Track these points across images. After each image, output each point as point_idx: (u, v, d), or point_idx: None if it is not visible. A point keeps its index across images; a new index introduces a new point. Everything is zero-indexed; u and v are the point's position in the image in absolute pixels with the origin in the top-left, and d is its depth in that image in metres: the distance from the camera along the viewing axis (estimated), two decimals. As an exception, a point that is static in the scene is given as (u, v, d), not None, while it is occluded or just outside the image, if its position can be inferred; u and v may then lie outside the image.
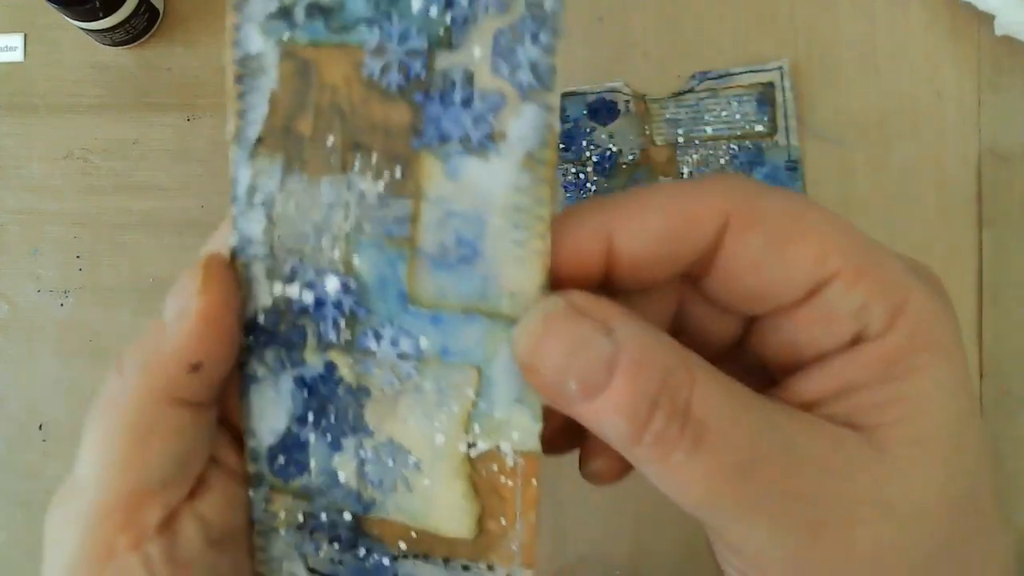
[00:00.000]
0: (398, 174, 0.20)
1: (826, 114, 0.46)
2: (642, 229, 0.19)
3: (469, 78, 0.20)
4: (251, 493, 0.23)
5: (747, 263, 0.19)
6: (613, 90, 0.47)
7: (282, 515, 0.22)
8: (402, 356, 0.21)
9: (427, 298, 0.20)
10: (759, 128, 0.46)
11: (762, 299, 0.19)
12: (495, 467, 0.21)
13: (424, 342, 0.21)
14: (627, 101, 0.47)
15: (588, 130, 0.47)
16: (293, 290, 0.21)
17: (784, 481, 0.17)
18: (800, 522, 0.17)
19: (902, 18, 0.46)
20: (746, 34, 0.47)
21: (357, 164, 0.20)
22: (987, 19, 0.45)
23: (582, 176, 0.47)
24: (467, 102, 0.20)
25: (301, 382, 0.22)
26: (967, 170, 0.45)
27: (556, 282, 0.20)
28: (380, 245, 0.21)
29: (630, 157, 0.47)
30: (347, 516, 0.22)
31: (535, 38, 0.19)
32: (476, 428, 0.21)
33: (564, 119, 0.47)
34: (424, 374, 0.21)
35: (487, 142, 0.20)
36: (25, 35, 0.49)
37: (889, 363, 0.18)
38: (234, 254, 0.21)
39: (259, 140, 0.21)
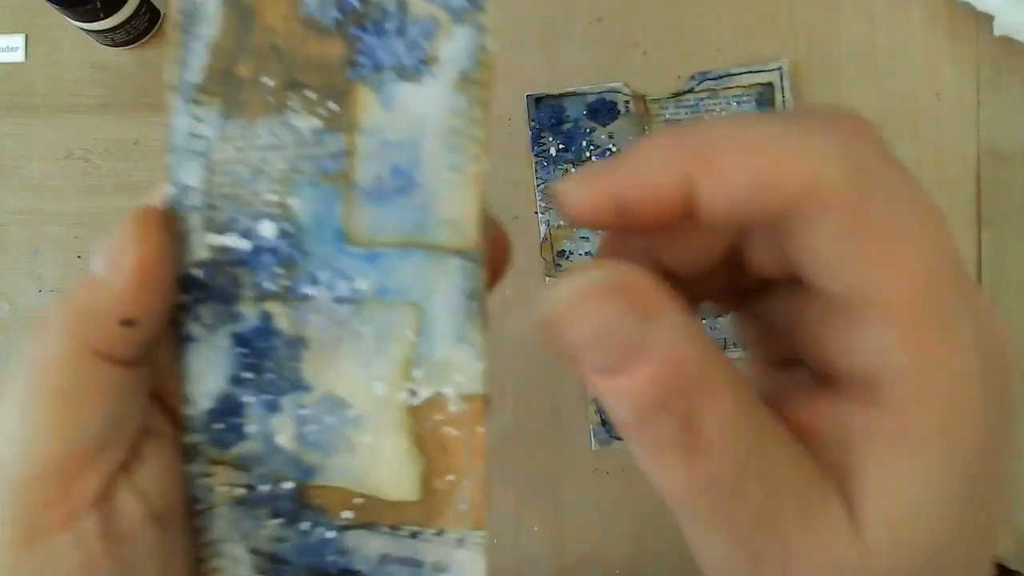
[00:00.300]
0: (334, 108, 0.20)
1: (825, 114, 0.46)
2: (726, 178, 0.17)
3: (402, 6, 0.20)
4: (188, 467, 0.21)
5: (811, 253, 0.17)
6: (613, 90, 0.47)
7: (221, 490, 0.21)
8: (339, 300, 0.20)
9: (364, 235, 0.20)
10: (759, 128, 0.46)
11: (800, 282, 0.18)
12: (439, 416, 0.20)
13: (362, 283, 0.20)
14: (627, 101, 0.47)
15: (588, 130, 0.47)
16: (229, 239, 0.21)
17: (752, 508, 0.16)
18: (749, 551, 0.17)
19: (902, 18, 0.46)
20: (746, 34, 0.47)
21: (294, 102, 0.20)
22: (986, 20, 0.45)
23: (582, 176, 0.47)
24: (400, 30, 0.20)
25: (238, 337, 0.21)
26: (966, 170, 0.46)
27: (625, 222, 0.18)
28: (316, 183, 0.20)
29: (630, 157, 0.47)
30: (288, 485, 0.21)
31: None
32: (417, 373, 0.20)
33: (564, 119, 0.47)
34: (362, 317, 0.20)
35: (420, 67, 0.20)
36: (26, 35, 0.49)
37: (891, 440, 0.16)
38: (170, 206, 0.21)
39: (198, 87, 0.20)
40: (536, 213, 0.48)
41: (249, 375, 0.21)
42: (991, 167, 0.45)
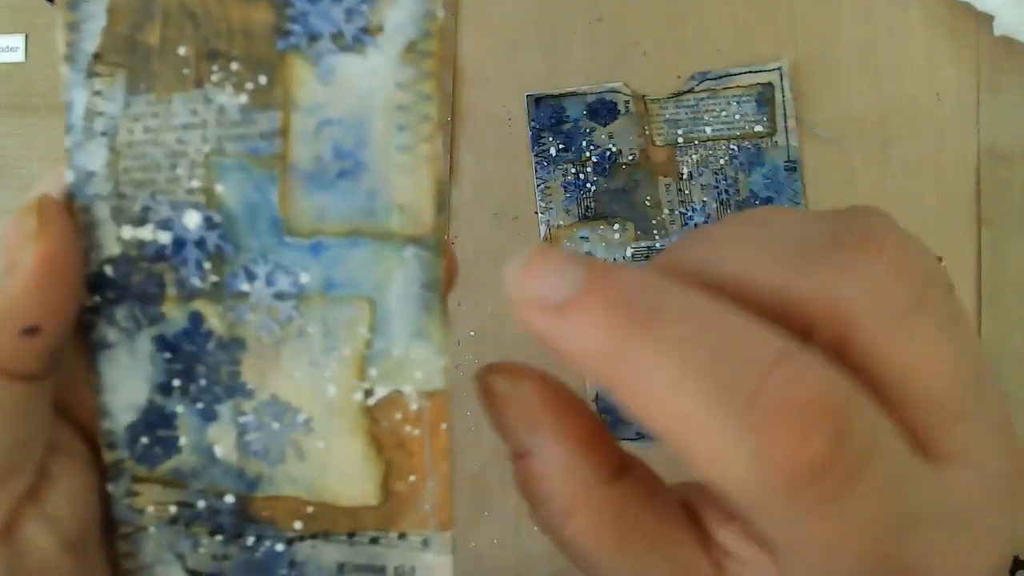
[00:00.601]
0: (263, 82, 0.18)
1: (825, 114, 0.46)
2: (746, 292, 0.16)
3: None
4: (110, 487, 0.19)
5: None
6: (613, 90, 0.47)
7: (151, 510, 0.19)
8: (280, 296, 0.18)
9: (305, 224, 0.18)
10: (758, 128, 0.46)
11: None
12: (398, 415, 0.18)
13: (305, 277, 0.18)
14: (627, 101, 0.47)
15: (588, 130, 0.47)
16: (145, 232, 0.18)
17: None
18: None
19: (902, 18, 0.46)
20: (746, 34, 0.47)
21: (214, 75, 0.18)
22: (986, 20, 0.45)
23: (582, 176, 0.47)
24: None
25: (162, 341, 0.19)
26: (966, 170, 0.46)
27: None
28: (246, 167, 0.18)
29: (630, 157, 0.47)
30: (229, 499, 0.19)
31: None
32: (372, 372, 0.18)
33: (564, 119, 0.47)
34: (307, 314, 0.18)
35: (362, 36, 0.18)
36: (26, 35, 0.49)
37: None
38: (71, 195, 0.18)
39: (96, 56, 0.18)
40: (536, 213, 0.48)
41: (178, 383, 0.19)
42: (991, 167, 0.45)
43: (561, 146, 0.47)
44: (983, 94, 0.46)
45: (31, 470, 0.18)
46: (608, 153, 0.47)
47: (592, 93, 0.47)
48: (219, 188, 0.18)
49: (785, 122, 0.46)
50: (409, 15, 0.18)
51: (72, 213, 0.18)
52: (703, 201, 0.46)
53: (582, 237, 0.47)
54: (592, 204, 0.47)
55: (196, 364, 0.19)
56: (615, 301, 0.15)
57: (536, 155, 0.47)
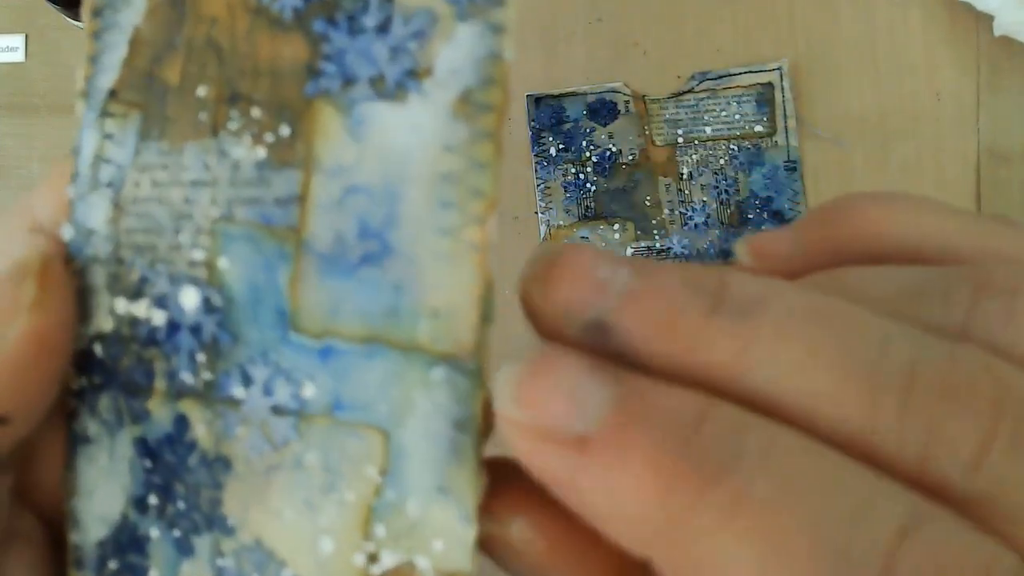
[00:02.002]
0: (284, 133, 0.14)
1: (825, 114, 0.46)
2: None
3: None
4: None
5: None
6: (613, 90, 0.47)
7: None
8: (277, 410, 0.14)
9: (315, 320, 0.14)
10: (758, 128, 0.46)
11: None
12: None
13: (309, 389, 0.14)
14: (627, 101, 0.47)
15: (588, 130, 0.47)
16: (140, 308, 0.15)
17: None
18: None
19: (901, 18, 0.46)
20: (746, 34, 0.47)
21: (232, 122, 0.15)
22: (986, 20, 0.45)
23: (582, 176, 0.47)
24: (383, 27, 0.14)
25: (143, 446, 0.15)
26: (966, 170, 0.46)
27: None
28: (255, 239, 0.15)
29: (630, 157, 0.47)
30: None
31: None
32: (379, 530, 0.14)
33: (564, 119, 0.47)
34: (307, 439, 0.14)
35: (406, 81, 0.14)
36: (26, 35, 0.49)
37: None
38: (68, 254, 0.16)
39: (112, 93, 0.16)
40: (536, 213, 0.48)
41: (155, 500, 0.15)
42: (991, 167, 0.45)
43: (561, 146, 0.47)
44: (983, 94, 0.46)
45: None
46: (608, 153, 0.47)
47: (592, 93, 0.47)
48: (222, 262, 0.15)
49: (785, 122, 0.46)
50: (468, 55, 0.14)
51: (72, 282, 0.15)
52: (703, 201, 0.46)
53: (582, 237, 0.47)
54: (592, 204, 0.47)
55: (176, 481, 0.15)
56: (662, 438, 0.11)
57: (536, 155, 0.47)
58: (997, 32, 0.44)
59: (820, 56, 0.46)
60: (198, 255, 0.15)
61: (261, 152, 0.15)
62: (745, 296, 0.12)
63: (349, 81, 0.14)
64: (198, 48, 0.15)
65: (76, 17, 0.45)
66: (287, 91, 0.15)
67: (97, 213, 0.16)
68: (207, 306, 0.15)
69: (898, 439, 0.11)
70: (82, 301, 0.15)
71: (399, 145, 0.14)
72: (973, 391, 0.11)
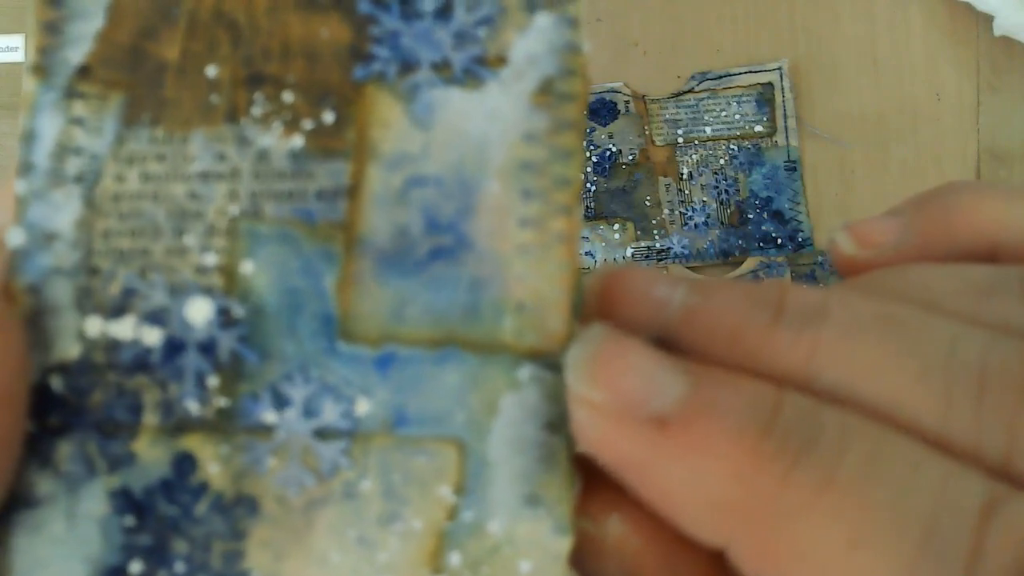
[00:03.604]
0: (327, 120, 0.13)
1: (825, 114, 0.46)
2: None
3: None
4: None
5: None
6: (613, 90, 0.47)
7: None
8: (323, 433, 0.13)
9: (373, 325, 0.13)
10: (758, 128, 0.46)
11: None
12: None
13: (364, 405, 0.13)
14: (627, 101, 0.47)
15: (588, 130, 0.47)
16: (122, 327, 0.13)
17: None
18: None
19: (902, 18, 0.46)
20: (746, 34, 0.47)
21: (256, 107, 0.13)
22: (986, 20, 0.45)
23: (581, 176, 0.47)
24: (444, 13, 0.13)
25: (125, 499, 0.13)
26: (966, 170, 0.46)
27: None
28: (292, 239, 0.13)
29: (630, 157, 0.47)
30: None
31: None
32: (454, 558, 0.12)
33: (564, 119, 0.47)
34: (363, 463, 0.13)
35: (477, 68, 0.13)
36: (26, 36, 0.49)
37: None
38: (14, 267, 0.13)
39: (83, 70, 0.13)
40: (536, 213, 0.48)
41: (138, 567, 0.12)
42: (991, 167, 0.45)
43: (561, 146, 0.47)
44: (983, 94, 0.46)
45: None
46: (608, 153, 0.47)
47: (592, 93, 0.47)
48: (247, 267, 0.13)
49: (785, 122, 0.46)
50: (546, 46, 0.13)
51: (15, 309, 0.13)
52: (703, 201, 0.46)
53: (582, 237, 0.47)
54: (592, 204, 0.47)
55: (175, 537, 0.13)
56: (744, 418, 0.11)
57: (536, 155, 0.47)
58: (997, 32, 0.44)
59: (820, 56, 0.46)
60: (210, 260, 0.13)
61: (298, 141, 0.13)
62: (806, 305, 0.12)
63: (408, 66, 0.13)
64: (204, 22, 0.13)
65: (76, 17, 0.45)
66: (329, 75, 0.13)
67: (61, 214, 0.13)
68: (224, 319, 0.13)
69: (976, 437, 0.11)
70: (37, 325, 0.13)
71: (475, 133, 0.13)
72: None
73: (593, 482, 0.13)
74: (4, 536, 0.12)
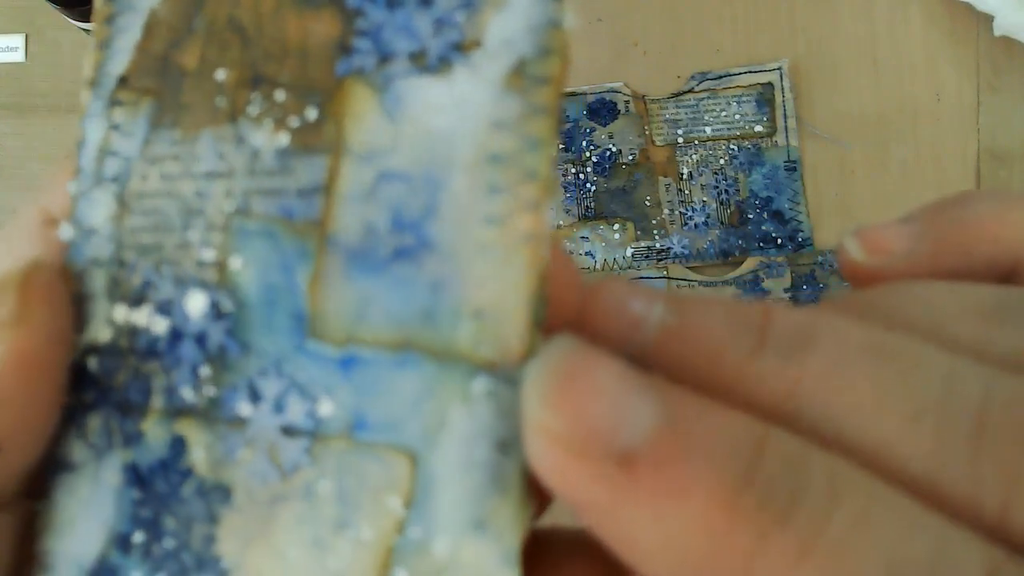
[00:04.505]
0: (311, 117, 0.13)
1: (825, 114, 0.46)
2: None
3: None
4: None
5: None
6: (613, 90, 0.47)
7: None
8: (288, 431, 0.13)
9: (338, 324, 0.13)
10: (758, 128, 0.46)
11: None
12: None
13: (326, 405, 0.13)
14: (627, 101, 0.47)
15: (588, 130, 0.47)
16: (141, 316, 0.14)
17: None
18: None
19: (902, 18, 0.46)
20: (746, 34, 0.47)
21: (252, 106, 0.13)
22: (986, 20, 0.45)
23: (582, 176, 0.47)
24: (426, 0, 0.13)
25: (133, 473, 0.13)
26: (966, 170, 0.46)
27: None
28: (273, 235, 0.13)
29: (630, 157, 0.47)
30: None
31: None
32: (400, 574, 0.12)
33: (564, 119, 0.47)
34: (321, 464, 0.13)
35: (452, 54, 0.12)
36: (26, 35, 0.49)
37: None
38: (68, 257, 0.14)
39: (122, 80, 0.14)
40: (536, 213, 0.48)
41: (140, 537, 0.13)
42: (990, 167, 0.45)
43: (561, 146, 0.47)
44: (983, 94, 0.46)
45: None
46: (608, 153, 0.47)
47: (592, 93, 0.47)
48: (235, 263, 0.13)
49: (785, 122, 0.46)
50: (523, 23, 0.12)
51: (67, 290, 0.14)
52: (703, 201, 0.46)
53: (582, 237, 0.47)
54: (592, 204, 0.47)
55: (166, 514, 0.13)
56: (722, 465, 0.10)
57: (536, 155, 0.47)
58: (997, 32, 0.44)
59: (820, 56, 0.46)
60: (208, 255, 0.13)
61: (284, 138, 0.13)
62: (792, 331, 0.11)
63: (386, 57, 0.13)
64: (219, 30, 0.14)
65: (76, 17, 0.45)
66: (315, 71, 0.13)
67: (99, 210, 0.14)
68: (215, 312, 0.13)
69: (973, 485, 0.10)
70: (80, 310, 0.14)
71: (442, 125, 0.12)
72: None
73: (554, 558, 0.12)
74: (50, 494, 0.14)
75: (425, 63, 0.13)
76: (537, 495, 0.12)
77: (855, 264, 0.15)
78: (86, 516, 0.14)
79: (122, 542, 0.13)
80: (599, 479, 0.10)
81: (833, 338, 0.11)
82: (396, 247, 0.12)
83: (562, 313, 0.12)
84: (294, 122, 0.13)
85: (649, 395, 0.10)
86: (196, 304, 0.13)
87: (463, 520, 0.12)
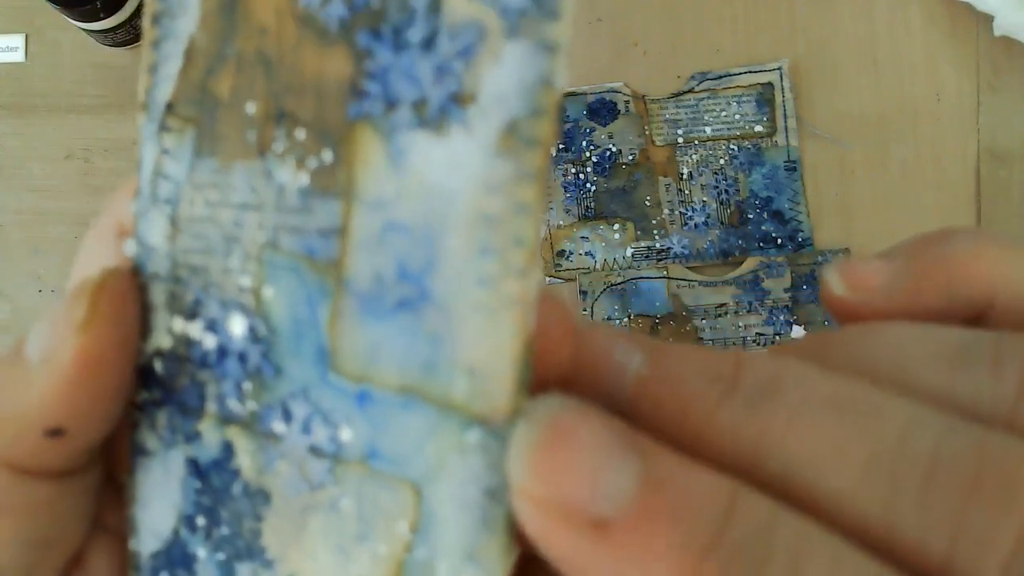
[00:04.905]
0: (327, 159, 0.13)
1: (825, 114, 0.46)
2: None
3: (435, 3, 0.13)
4: None
5: None
6: (613, 90, 0.47)
7: None
8: (315, 451, 0.14)
9: (354, 362, 0.13)
10: (758, 128, 0.46)
11: None
12: None
13: (346, 433, 0.14)
14: (627, 101, 0.47)
15: (588, 130, 0.47)
16: (195, 329, 0.15)
17: None
18: None
19: (902, 18, 0.46)
20: (746, 34, 0.47)
21: (278, 143, 0.14)
22: (986, 20, 0.45)
23: (582, 176, 0.47)
24: (429, 43, 0.13)
25: (194, 467, 0.15)
26: (966, 170, 0.46)
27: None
28: (299, 271, 0.14)
29: (630, 157, 0.47)
30: None
31: None
32: None
33: (564, 119, 0.47)
34: (343, 484, 0.14)
35: (450, 107, 0.13)
36: (26, 35, 0.49)
37: None
38: (135, 270, 0.15)
39: (169, 106, 0.15)
40: (536, 213, 0.48)
41: (202, 521, 0.15)
42: (990, 167, 0.45)
43: (561, 146, 0.47)
44: (983, 94, 0.46)
45: (60, 567, 0.16)
46: (608, 153, 0.47)
47: (592, 93, 0.47)
48: (268, 292, 0.14)
49: (785, 122, 0.46)
50: (516, 79, 0.12)
51: (134, 299, 0.15)
52: (703, 201, 0.46)
53: (582, 237, 0.47)
54: (592, 204, 0.47)
55: (221, 505, 0.15)
56: (690, 531, 0.10)
57: (536, 155, 0.47)
58: (997, 32, 0.44)
59: (820, 56, 0.46)
60: (246, 281, 0.14)
61: (304, 178, 0.14)
62: (759, 381, 0.12)
63: (392, 104, 0.13)
64: (248, 61, 0.14)
65: (77, 17, 0.45)
66: (330, 112, 0.13)
67: (156, 230, 0.15)
68: (253, 335, 0.14)
69: (920, 533, 0.11)
70: (144, 317, 0.15)
71: (440, 181, 0.13)
72: (1005, 483, 0.11)
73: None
74: (133, 474, 0.16)
75: (426, 114, 0.13)
76: (522, 538, 0.12)
77: (837, 299, 0.15)
78: (160, 495, 0.16)
79: (189, 522, 0.15)
80: (576, 541, 0.11)
81: (798, 388, 0.12)
82: (400, 297, 0.13)
83: (557, 363, 0.13)
84: (312, 163, 0.14)
85: (627, 457, 0.11)
86: (237, 326, 0.15)
87: (459, 551, 0.13)
